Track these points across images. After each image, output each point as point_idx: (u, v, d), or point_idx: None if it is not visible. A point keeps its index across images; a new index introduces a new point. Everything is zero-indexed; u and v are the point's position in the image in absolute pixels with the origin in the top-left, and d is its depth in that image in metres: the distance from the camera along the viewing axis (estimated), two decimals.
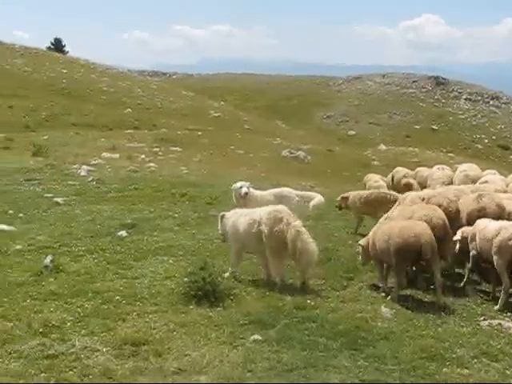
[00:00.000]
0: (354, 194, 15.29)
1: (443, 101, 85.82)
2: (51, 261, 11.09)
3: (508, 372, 7.78)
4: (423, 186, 17.74)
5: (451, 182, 17.00)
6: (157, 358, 7.71)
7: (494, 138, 74.43)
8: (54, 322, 8.60)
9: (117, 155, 27.31)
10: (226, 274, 10.87)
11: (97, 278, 10.77)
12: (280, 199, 13.54)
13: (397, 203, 12.95)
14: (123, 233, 13.64)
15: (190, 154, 30.58)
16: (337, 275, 11.34)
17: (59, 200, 16.65)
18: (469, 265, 11.01)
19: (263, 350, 8.05)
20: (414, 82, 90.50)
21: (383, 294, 10.39)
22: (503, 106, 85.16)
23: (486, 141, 73.20)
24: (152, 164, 25.50)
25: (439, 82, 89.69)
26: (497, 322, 9.39)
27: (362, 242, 11.28)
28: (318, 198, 13.91)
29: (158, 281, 10.71)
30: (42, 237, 13.23)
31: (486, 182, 15.45)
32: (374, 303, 10.01)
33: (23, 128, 37.21)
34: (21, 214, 15.14)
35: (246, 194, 13.11)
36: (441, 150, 57.85)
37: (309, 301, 9.93)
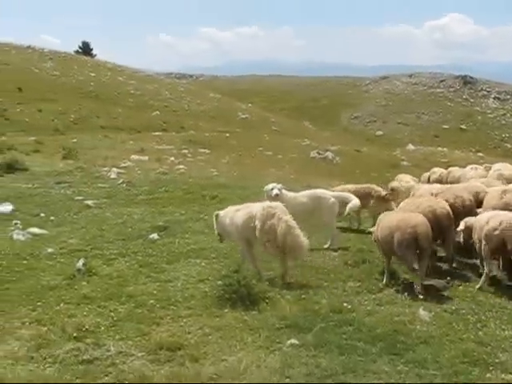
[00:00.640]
0: (339, 189, 15.51)
1: (471, 100, 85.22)
2: (84, 264, 11.03)
3: None
4: None
5: None
6: (193, 363, 7.55)
7: None
8: (87, 327, 8.49)
9: (146, 157, 27.32)
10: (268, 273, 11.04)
11: (129, 281, 10.68)
12: (314, 200, 13.38)
13: (411, 195, 13.76)
14: (155, 235, 13.56)
15: (218, 156, 30.52)
16: (372, 277, 11.13)
17: (90, 203, 16.65)
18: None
19: (301, 354, 7.86)
20: (441, 81, 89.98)
21: (421, 297, 10.17)
22: None
23: None
24: (181, 166, 25.46)
25: (467, 81, 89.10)
26: None
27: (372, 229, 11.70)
28: (354, 201, 13.70)
29: (192, 284, 10.60)
30: (74, 240, 13.22)
31: None
32: (411, 306, 9.77)
33: (52, 131, 37.40)
34: (52, 217, 15.15)
35: (277, 195, 12.93)
36: (470, 150, 57.45)
37: (345, 304, 9.74)
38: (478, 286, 10.65)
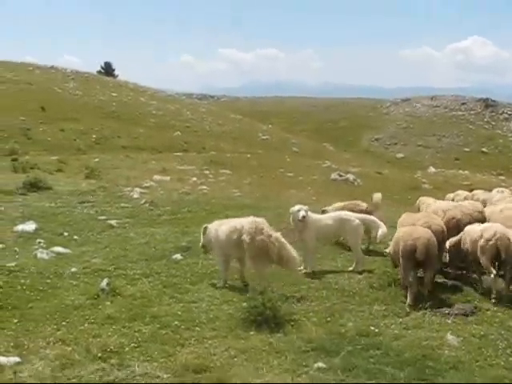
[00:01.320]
0: (331, 208, 15.87)
1: (493, 123, 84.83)
2: (107, 284, 10.98)
3: None
4: None
5: None
6: None
7: None
8: (112, 347, 8.44)
9: (168, 178, 27.32)
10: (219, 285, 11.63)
11: (153, 301, 10.62)
12: (339, 222, 13.31)
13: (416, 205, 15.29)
14: (178, 256, 13.50)
15: (239, 177, 30.49)
16: (398, 300, 10.97)
17: (113, 222, 16.62)
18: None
19: (328, 378, 7.77)
20: (462, 104, 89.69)
21: (449, 321, 10.02)
22: None
23: None
24: (203, 186, 25.43)
25: (488, 104, 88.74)
26: None
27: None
28: (382, 231, 13.52)
29: (216, 305, 10.53)
30: (97, 259, 13.18)
31: None
32: (439, 330, 9.62)
33: (74, 151, 37.58)
34: (75, 237, 15.13)
35: (304, 217, 12.88)
36: (491, 173, 57.02)
37: (372, 327, 9.63)
38: (493, 300, 10.96)
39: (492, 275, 11.08)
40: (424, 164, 61.69)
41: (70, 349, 8.40)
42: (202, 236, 12.39)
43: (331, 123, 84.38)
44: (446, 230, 12.31)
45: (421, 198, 16.35)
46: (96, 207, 18.78)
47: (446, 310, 10.41)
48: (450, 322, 10.02)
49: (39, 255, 13.23)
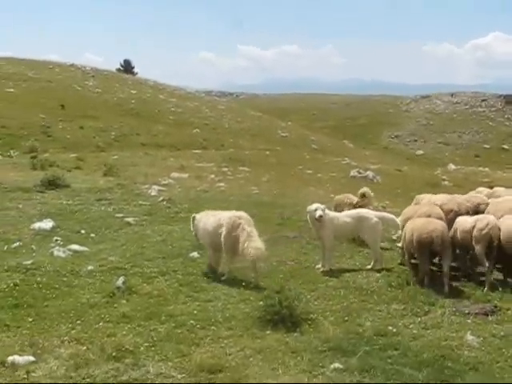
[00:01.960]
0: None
1: None
2: (123, 282, 10.96)
3: None
4: None
5: None
6: None
7: None
8: (127, 346, 8.37)
9: (186, 175, 27.23)
10: (223, 278, 11.91)
11: (169, 300, 10.58)
12: (357, 220, 13.17)
13: (413, 202, 14.81)
14: (195, 254, 13.42)
15: (258, 174, 30.32)
16: (417, 300, 10.79)
17: (130, 220, 16.57)
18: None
19: (345, 379, 7.65)
20: (483, 100, 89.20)
21: (468, 321, 9.85)
22: None
23: None
24: (221, 184, 25.31)
25: (509, 100, 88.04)
26: None
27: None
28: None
29: (232, 304, 10.47)
30: (114, 257, 13.13)
31: None
32: (458, 330, 9.45)
33: (94, 148, 37.60)
34: (92, 234, 15.11)
35: (321, 216, 12.74)
36: None
37: (390, 327, 9.49)
38: (485, 290, 11.37)
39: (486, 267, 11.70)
40: (444, 161, 61.13)
41: (84, 348, 8.36)
42: (191, 225, 13.10)
43: (351, 120, 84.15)
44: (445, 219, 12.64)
45: (417, 196, 16.10)
46: (113, 205, 18.74)
47: (466, 310, 10.26)
48: (469, 321, 9.86)
49: (56, 253, 13.21)
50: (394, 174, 38.41)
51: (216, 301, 10.59)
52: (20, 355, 8.02)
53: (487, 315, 10.11)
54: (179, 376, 7.62)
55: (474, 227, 11.80)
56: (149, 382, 7.47)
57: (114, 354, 8.12)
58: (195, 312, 9.98)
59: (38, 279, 11.40)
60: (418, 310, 10.34)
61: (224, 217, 12.21)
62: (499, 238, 11.58)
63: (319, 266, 12.80)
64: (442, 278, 11.42)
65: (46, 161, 27.69)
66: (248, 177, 29.31)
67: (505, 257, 11.74)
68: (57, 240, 14.33)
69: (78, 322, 9.42)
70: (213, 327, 9.35)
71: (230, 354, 8.33)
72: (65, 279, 11.54)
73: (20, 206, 17.94)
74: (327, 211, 13.13)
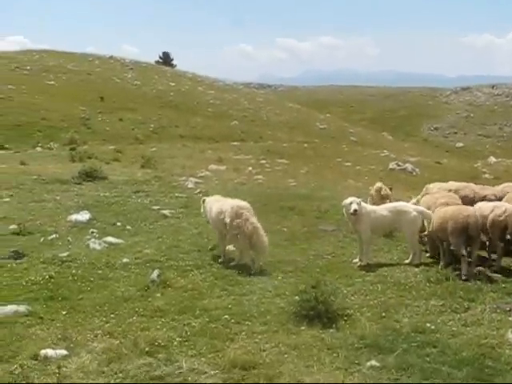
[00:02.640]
0: None
1: None
2: (158, 275, 10.88)
3: None
4: None
5: None
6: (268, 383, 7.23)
7: None
8: (160, 341, 8.26)
9: (223, 167, 27.20)
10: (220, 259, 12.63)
11: (204, 294, 10.46)
12: (396, 214, 12.89)
13: (423, 192, 14.62)
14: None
15: (296, 166, 30.17)
16: (456, 296, 10.49)
17: (166, 212, 16.52)
18: None
19: (381, 377, 7.44)
20: None
21: (510, 318, 9.57)
22: None
23: None
24: (259, 176, 25.19)
25: None
26: None
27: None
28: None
29: (268, 298, 10.31)
30: (149, 250, 13.08)
31: None
32: (499, 328, 9.15)
33: (132, 140, 37.83)
34: (128, 227, 15.08)
35: (356, 210, 12.47)
36: None
37: (428, 324, 9.24)
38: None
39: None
40: (484, 153, 60.37)
41: (117, 342, 8.27)
42: (202, 208, 13.78)
43: (390, 112, 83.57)
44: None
45: (427, 185, 15.67)
46: (150, 197, 18.72)
47: (507, 307, 9.96)
48: (511, 319, 9.55)
49: (91, 245, 13.22)
50: (434, 166, 37.94)
51: (251, 295, 10.44)
52: (53, 349, 7.98)
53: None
54: (212, 372, 7.49)
55: (492, 212, 12.11)
56: (181, 377, 7.36)
57: (147, 348, 8.02)
58: (230, 306, 9.85)
59: (74, 271, 11.41)
60: (458, 307, 10.04)
61: (226, 205, 12.64)
62: None
63: (356, 260, 12.61)
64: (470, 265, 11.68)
65: (84, 153, 27.91)
66: (286, 169, 29.19)
67: None
68: (93, 232, 14.33)
69: (112, 315, 9.35)
70: (247, 322, 9.21)
71: (264, 350, 8.17)
72: (100, 272, 11.52)
73: (57, 197, 18.03)
74: (364, 204, 12.90)
